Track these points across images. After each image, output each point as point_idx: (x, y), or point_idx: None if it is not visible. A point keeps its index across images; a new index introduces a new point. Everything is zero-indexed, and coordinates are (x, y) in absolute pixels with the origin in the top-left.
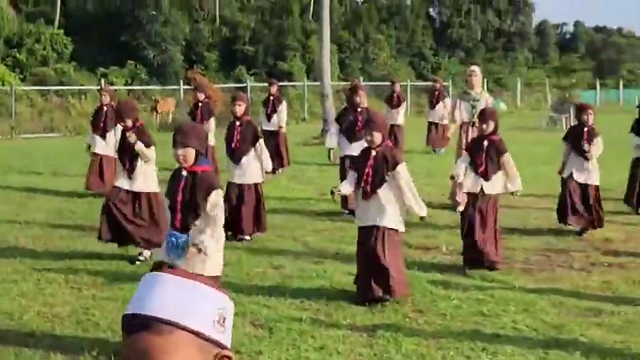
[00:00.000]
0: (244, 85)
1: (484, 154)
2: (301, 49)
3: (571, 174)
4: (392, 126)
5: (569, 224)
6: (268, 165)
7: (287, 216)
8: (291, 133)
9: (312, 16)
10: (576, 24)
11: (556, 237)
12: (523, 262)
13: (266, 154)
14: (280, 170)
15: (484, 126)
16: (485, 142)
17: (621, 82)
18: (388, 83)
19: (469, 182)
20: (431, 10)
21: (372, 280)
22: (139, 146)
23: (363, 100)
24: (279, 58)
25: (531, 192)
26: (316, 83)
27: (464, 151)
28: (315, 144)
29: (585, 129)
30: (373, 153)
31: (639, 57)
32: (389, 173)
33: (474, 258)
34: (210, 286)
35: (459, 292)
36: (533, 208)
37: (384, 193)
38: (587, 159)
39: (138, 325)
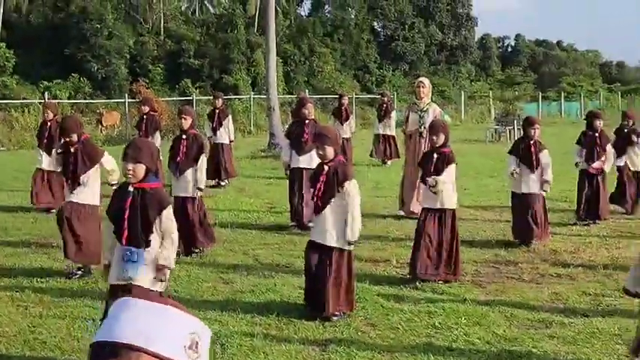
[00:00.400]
0: (190, 98)
1: (433, 167)
2: (246, 62)
3: (520, 187)
4: (342, 140)
5: (532, 241)
6: (202, 182)
7: (236, 230)
8: (237, 147)
9: (257, 30)
10: (517, 37)
11: (504, 249)
12: (473, 274)
13: (203, 171)
14: (228, 181)
15: (434, 138)
16: (435, 155)
17: (562, 95)
18: (333, 96)
19: (423, 196)
20: (375, 23)
21: (321, 295)
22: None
23: (310, 112)
24: (224, 71)
25: (478, 204)
26: (262, 96)
27: (418, 166)
28: (262, 157)
29: (532, 142)
30: (326, 168)
31: (579, 70)
32: (339, 189)
33: (426, 272)
34: (181, 310)
35: (411, 304)
36: (480, 220)
37: (333, 209)
38: (533, 171)
39: (106, 352)
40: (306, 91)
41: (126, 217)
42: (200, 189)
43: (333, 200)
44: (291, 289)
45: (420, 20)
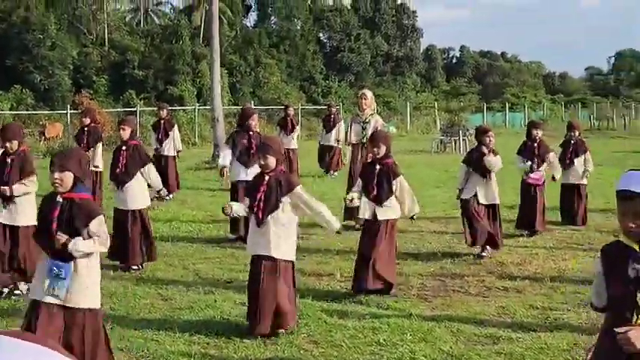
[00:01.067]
0: (134, 109)
1: (375, 178)
2: (192, 73)
3: (474, 196)
4: (286, 150)
5: (483, 249)
6: (159, 183)
7: (177, 243)
8: (182, 158)
9: (203, 41)
10: (462, 49)
11: (451, 261)
12: (419, 288)
13: (154, 176)
14: (171, 196)
15: (375, 150)
16: (377, 167)
17: (507, 106)
18: (279, 107)
19: (363, 208)
20: (321, 34)
21: (263, 312)
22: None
23: (255, 123)
24: (169, 82)
25: (424, 215)
26: (207, 107)
27: (358, 177)
28: (206, 168)
29: (487, 151)
30: (266, 178)
31: (523, 81)
32: (282, 199)
33: (368, 285)
34: (60, 353)
35: (355, 320)
36: (426, 231)
37: (276, 220)
38: (488, 179)
39: None
40: (252, 102)
41: (54, 227)
42: (159, 194)
43: (275, 211)
44: (232, 305)
45: (366, 31)
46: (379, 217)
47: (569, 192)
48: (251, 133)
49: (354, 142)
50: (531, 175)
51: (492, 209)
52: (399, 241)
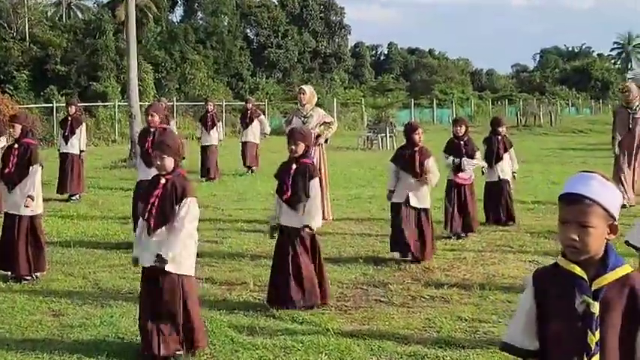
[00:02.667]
0: (51, 105)
1: (290, 179)
2: (116, 69)
3: (407, 199)
4: (206, 147)
5: (407, 255)
6: (31, 189)
7: (81, 249)
8: (99, 156)
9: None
10: (390, 46)
11: (374, 267)
12: (338, 298)
13: (35, 180)
14: (77, 197)
15: (293, 147)
16: (294, 166)
17: (435, 102)
18: (203, 103)
19: (279, 212)
20: (248, 31)
21: (159, 331)
22: None
23: (153, 119)
24: (92, 78)
25: (347, 216)
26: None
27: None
28: (122, 167)
29: (416, 149)
30: (163, 181)
31: (451, 78)
32: (176, 206)
33: (282, 297)
34: None
35: (266, 337)
36: (349, 234)
37: (172, 230)
38: (419, 181)
39: None
40: (173, 98)
41: None
42: (31, 197)
43: (170, 219)
44: (130, 322)
45: (294, 28)
46: (291, 224)
47: (494, 190)
48: (152, 129)
49: None
50: (460, 175)
51: (424, 213)
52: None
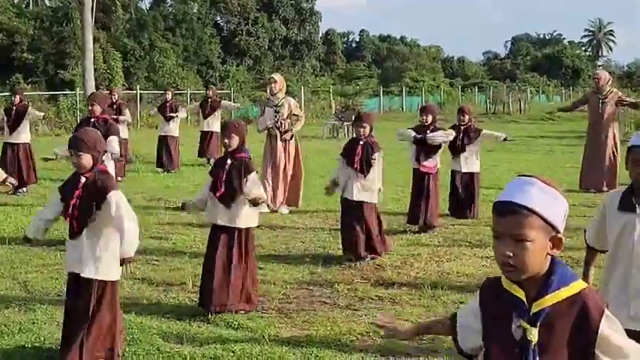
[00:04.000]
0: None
1: (224, 175)
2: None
3: (352, 193)
4: (165, 137)
5: (357, 254)
6: None
7: (17, 247)
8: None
9: (96, 23)
10: (362, 33)
11: (322, 265)
12: (281, 299)
13: None
14: (25, 189)
15: (226, 141)
16: (229, 161)
17: (404, 90)
18: (175, 92)
19: (209, 211)
20: (218, 18)
21: (78, 339)
22: None
23: (94, 109)
24: (60, 66)
25: (303, 208)
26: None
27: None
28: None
29: (361, 142)
30: (82, 180)
31: (422, 65)
32: (98, 206)
33: (215, 300)
34: None
35: (196, 346)
36: (301, 228)
37: (91, 232)
38: (363, 176)
39: None
40: (136, 87)
41: None
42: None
43: (90, 221)
44: (53, 327)
45: (264, 15)
46: (229, 223)
47: (460, 181)
48: (92, 120)
49: (268, 125)
50: (424, 163)
51: (371, 208)
52: (267, 240)
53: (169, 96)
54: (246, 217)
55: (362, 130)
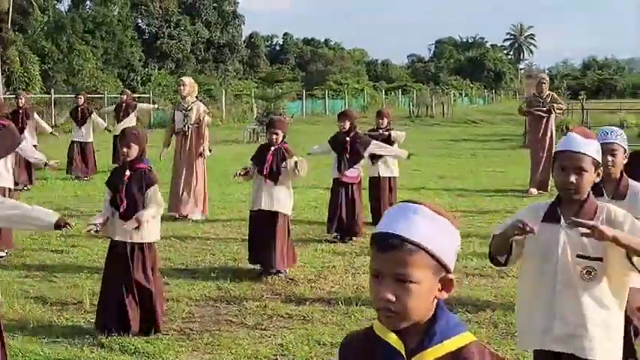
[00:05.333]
0: None
1: (124, 189)
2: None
3: (261, 203)
4: (79, 143)
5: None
6: None
7: None
8: None
9: (12, 26)
10: (286, 36)
11: (231, 280)
12: (184, 318)
13: None
14: None
15: (125, 150)
16: (127, 173)
17: (327, 93)
18: (94, 96)
19: (111, 226)
20: (140, 20)
21: None
22: None
23: None
24: None
25: (217, 217)
26: (11, 96)
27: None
28: None
29: (272, 148)
30: None
31: (346, 68)
32: None
33: (112, 322)
34: None
35: None
36: (213, 238)
37: None
38: (275, 184)
39: None
40: (51, 90)
41: None
42: None
43: None
44: None
45: (186, 18)
46: (130, 239)
47: (378, 187)
48: None
49: (177, 129)
50: (347, 173)
51: (282, 219)
52: (175, 253)
53: (81, 100)
54: (148, 232)
55: (274, 137)
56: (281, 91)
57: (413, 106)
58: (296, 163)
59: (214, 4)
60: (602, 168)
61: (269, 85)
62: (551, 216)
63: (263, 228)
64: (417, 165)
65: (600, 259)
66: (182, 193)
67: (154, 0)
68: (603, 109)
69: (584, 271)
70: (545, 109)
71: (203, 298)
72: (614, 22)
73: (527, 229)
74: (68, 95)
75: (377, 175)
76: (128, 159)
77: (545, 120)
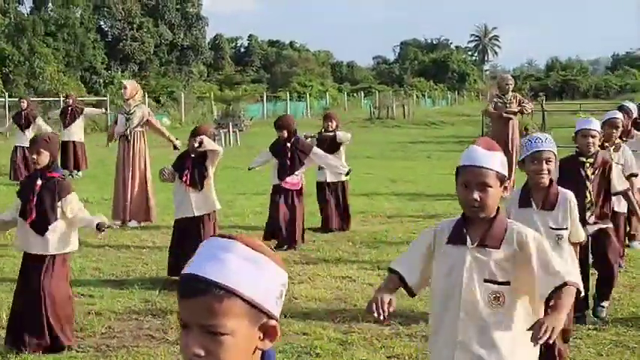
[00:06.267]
0: None
1: (35, 199)
2: None
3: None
4: (22, 148)
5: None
6: None
7: None
8: None
9: None
10: (250, 38)
11: (162, 290)
12: (103, 334)
13: None
14: None
15: (35, 157)
16: (39, 182)
17: (288, 95)
18: (55, 99)
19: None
20: (102, 23)
21: None
22: None
23: None
24: None
25: (157, 223)
26: None
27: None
28: None
29: (192, 156)
30: None
31: (311, 70)
32: None
33: (21, 337)
34: None
35: None
36: (149, 247)
37: None
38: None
39: None
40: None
41: None
42: None
43: None
44: None
45: (149, 20)
46: (44, 252)
47: (325, 192)
48: None
49: (119, 133)
50: (288, 180)
51: (209, 220)
52: (107, 262)
53: (25, 104)
54: (63, 242)
55: (195, 143)
56: (242, 93)
57: (374, 107)
58: (200, 142)
59: (177, 6)
60: (530, 178)
61: (230, 88)
62: (456, 237)
63: (191, 235)
64: (370, 168)
65: (508, 283)
66: (125, 199)
67: (117, 2)
68: (563, 110)
69: (492, 297)
70: (516, 110)
71: (126, 312)
72: (580, 22)
73: (381, 318)
74: (33, 98)
75: (324, 180)
76: (38, 166)
77: (508, 121)
